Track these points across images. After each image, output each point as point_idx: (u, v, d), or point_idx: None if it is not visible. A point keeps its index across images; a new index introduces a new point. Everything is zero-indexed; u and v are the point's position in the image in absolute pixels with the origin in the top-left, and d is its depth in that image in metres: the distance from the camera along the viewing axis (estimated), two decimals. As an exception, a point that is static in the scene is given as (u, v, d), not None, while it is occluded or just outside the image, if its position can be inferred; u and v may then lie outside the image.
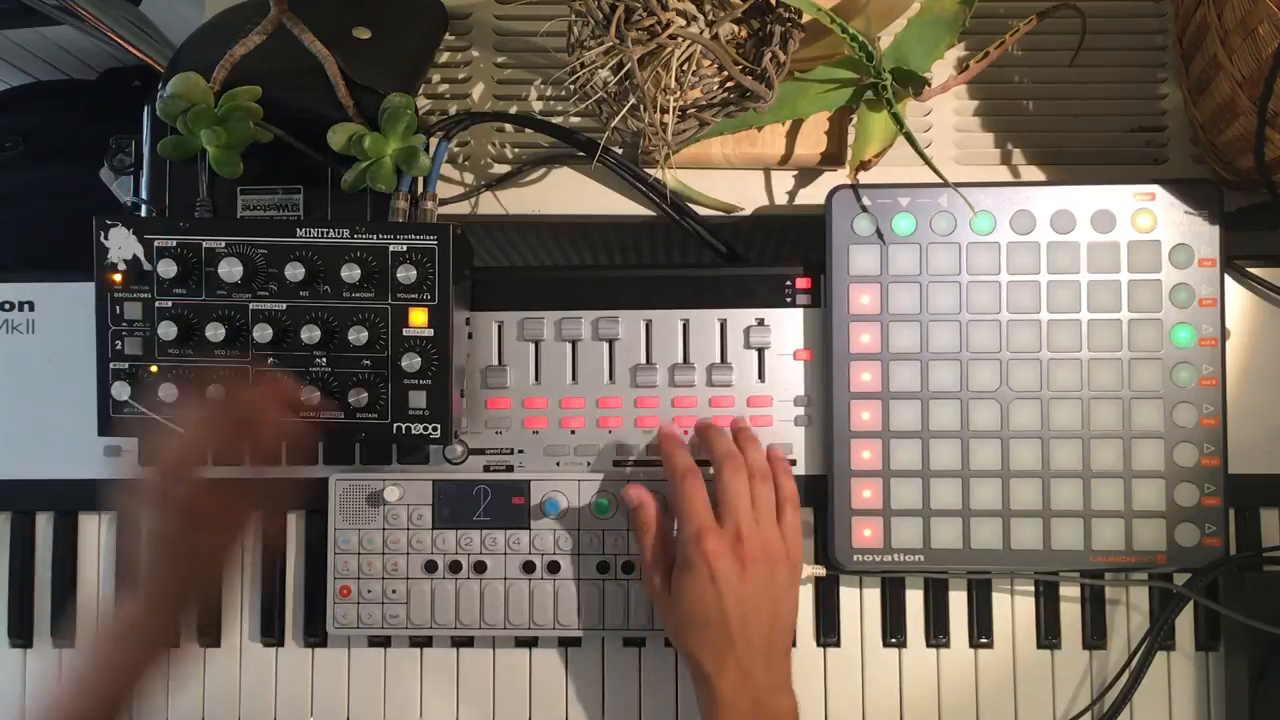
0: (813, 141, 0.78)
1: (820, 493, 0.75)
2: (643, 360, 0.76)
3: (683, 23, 0.64)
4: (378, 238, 0.69)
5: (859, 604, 0.76)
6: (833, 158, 0.78)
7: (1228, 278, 0.74)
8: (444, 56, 0.82)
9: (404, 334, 0.70)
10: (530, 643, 0.76)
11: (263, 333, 0.69)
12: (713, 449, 0.72)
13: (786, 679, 0.69)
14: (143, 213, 0.74)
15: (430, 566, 0.75)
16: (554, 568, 0.74)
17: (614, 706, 0.75)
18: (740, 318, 0.75)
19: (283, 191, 0.74)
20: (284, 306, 0.70)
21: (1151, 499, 0.72)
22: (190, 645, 0.77)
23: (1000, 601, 0.75)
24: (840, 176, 0.77)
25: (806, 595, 0.76)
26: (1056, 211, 0.73)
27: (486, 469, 0.76)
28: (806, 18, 0.67)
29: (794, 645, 0.74)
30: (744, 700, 0.67)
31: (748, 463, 0.71)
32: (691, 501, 0.69)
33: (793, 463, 0.75)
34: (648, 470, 0.75)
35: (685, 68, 0.65)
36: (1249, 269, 0.75)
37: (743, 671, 0.67)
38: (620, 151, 0.78)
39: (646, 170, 0.77)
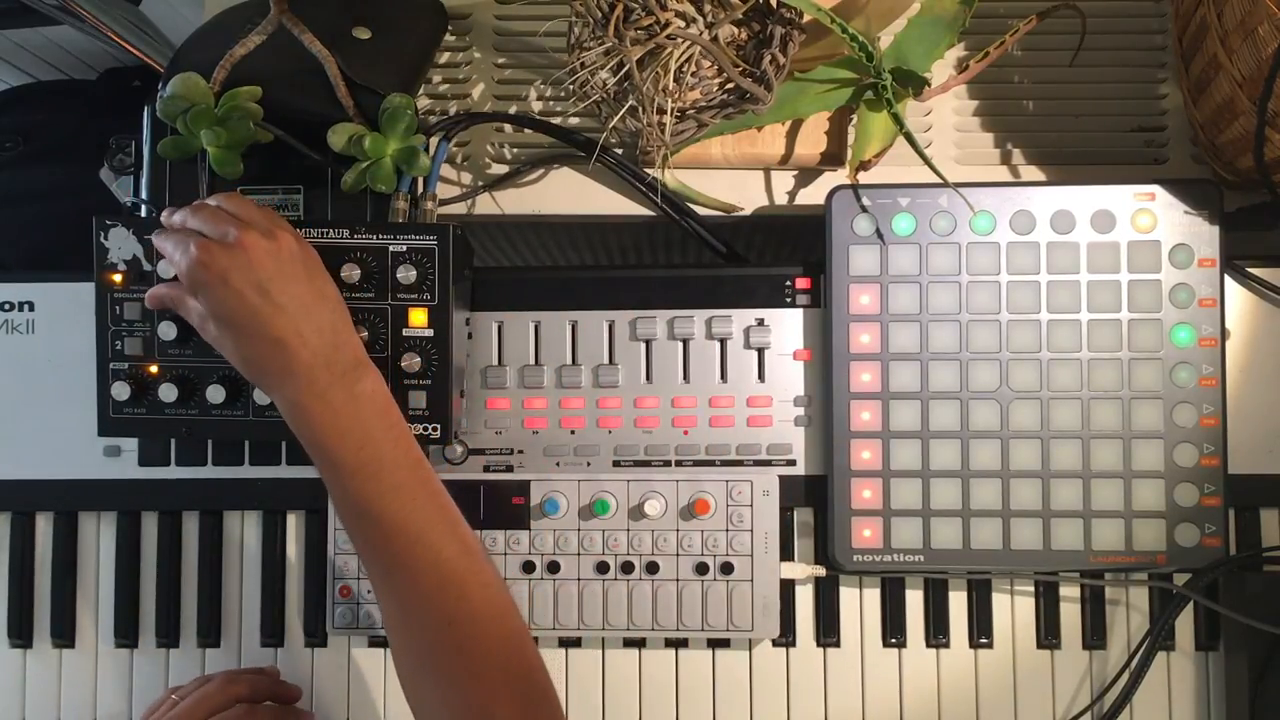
0: (813, 141, 0.78)
1: (820, 493, 0.75)
2: (643, 360, 0.76)
3: (681, 23, 0.64)
4: (378, 238, 0.69)
5: (859, 604, 0.76)
6: (833, 158, 0.78)
7: (1228, 278, 0.74)
8: (444, 56, 0.82)
9: (404, 334, 0.70)
10: (530, 643, 0.76)
11: (263, 333, 0.69)
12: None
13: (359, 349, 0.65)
14: (143, 213, 0.74)
15: (430, 566, 0.74)
16: (554, 568, 0.74)
17: (614, 706, 0.75)
18: (740, 318, 0.75)
19: (283, 192, 0.74)
20: (284, 306, 0.70)
21: (1151, 499, 0.72)
22: (190, 646, 0.77)
23: (1000, 602, 0.75)
24: (840, 176, 0.77)
25: (806, 595, 0.76)
26: (1056, 211, 0.73)
27: (486, 469, 0.76)
28: (807, 18, 0.67)
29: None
30: (317, 378, 0.62)
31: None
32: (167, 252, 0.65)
33: (791, 463, 0.75)
34: (647, 470, 0.75)
35: (684, 69, 0.65)
36: (1249, 269, 0.75)
37: (303, 342, 0.62)
38: (621, 151, 0.78)
39: (646, 170, 0.77)
